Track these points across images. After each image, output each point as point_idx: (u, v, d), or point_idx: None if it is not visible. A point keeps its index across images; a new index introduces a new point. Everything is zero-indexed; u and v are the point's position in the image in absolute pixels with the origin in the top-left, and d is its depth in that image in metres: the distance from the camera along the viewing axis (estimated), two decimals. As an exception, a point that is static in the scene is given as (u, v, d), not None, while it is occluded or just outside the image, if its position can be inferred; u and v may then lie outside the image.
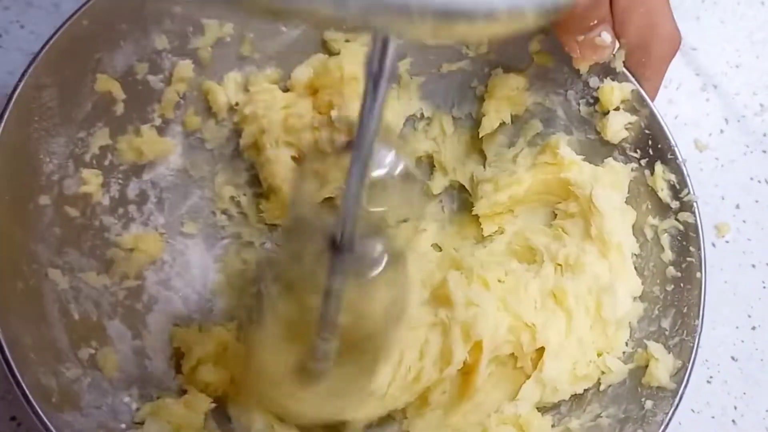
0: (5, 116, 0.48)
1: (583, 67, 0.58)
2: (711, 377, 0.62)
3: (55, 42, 0.50)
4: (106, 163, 0.55)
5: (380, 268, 0.43)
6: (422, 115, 0.65)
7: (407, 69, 0.63)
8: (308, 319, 0.44)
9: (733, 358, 0.63)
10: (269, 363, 0.51)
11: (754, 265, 0.66)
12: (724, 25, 0.75)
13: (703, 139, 0.70)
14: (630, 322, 0.57)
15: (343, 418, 0.54)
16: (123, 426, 0.49)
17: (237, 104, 0.60)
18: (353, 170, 0.36)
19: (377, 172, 0.43)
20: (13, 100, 0.48)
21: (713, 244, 0.66)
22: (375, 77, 0.32)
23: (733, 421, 0.61)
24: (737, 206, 0.68)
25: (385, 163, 0.43)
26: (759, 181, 0.70)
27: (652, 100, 0.58)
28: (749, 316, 0.64)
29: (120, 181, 0.56)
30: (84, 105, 0.53)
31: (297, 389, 0.50)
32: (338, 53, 0.61)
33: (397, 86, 0.63)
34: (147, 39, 0.55)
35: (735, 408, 0.61)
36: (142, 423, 0.49)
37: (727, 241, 0.67)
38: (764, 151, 0.71)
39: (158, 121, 0.57)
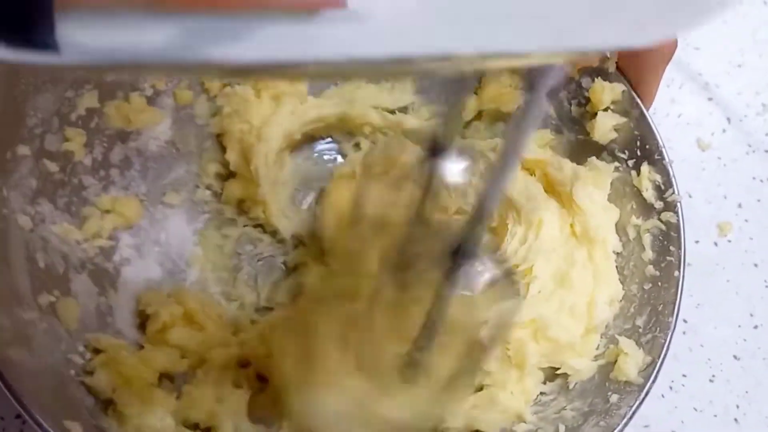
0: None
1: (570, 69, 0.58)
2: (713, 376, 0.61)
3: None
4: (92, 125, 0.56)
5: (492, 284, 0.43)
6: (414, 108, 0.65)
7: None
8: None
9: (735, 357, 0.62)
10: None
11: (756, 264, 0.66)
12: (726, 24, 0.74)
13: (705, 139, 0.70)
14: (606, 324, 0.56)
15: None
16: (72, 372, 0.49)
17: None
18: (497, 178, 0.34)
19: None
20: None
21: (715, 243, 0.65)
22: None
23: (736, 419, 0.60)
24: (739, 205, 0.68)
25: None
26: (761, 181, 0.69)
27: (649, 104, 0.58)
28: (751, 315, 0.64)
29: (104, 144, 0.56)
30: (73, 69, 0.54)
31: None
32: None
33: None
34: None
35: (737, 407, 0.61)
36: (92, 372, 0.50)
37: (729, 241, 0.66)
38: (766, 151, 0.71)
39: (149, 91, 0.58)
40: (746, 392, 0.61)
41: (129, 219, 0.57)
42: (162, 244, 0.59)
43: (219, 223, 0.61)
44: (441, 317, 0.41)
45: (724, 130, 0.71)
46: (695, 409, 0.60)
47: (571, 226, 0.58)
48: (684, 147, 0.56)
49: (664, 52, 0.55)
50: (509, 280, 0.45)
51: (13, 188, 0.50)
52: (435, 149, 0.44)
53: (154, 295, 0.55)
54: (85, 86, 0.55)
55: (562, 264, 0.55)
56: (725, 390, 0.61)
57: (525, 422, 0.53)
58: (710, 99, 0.72)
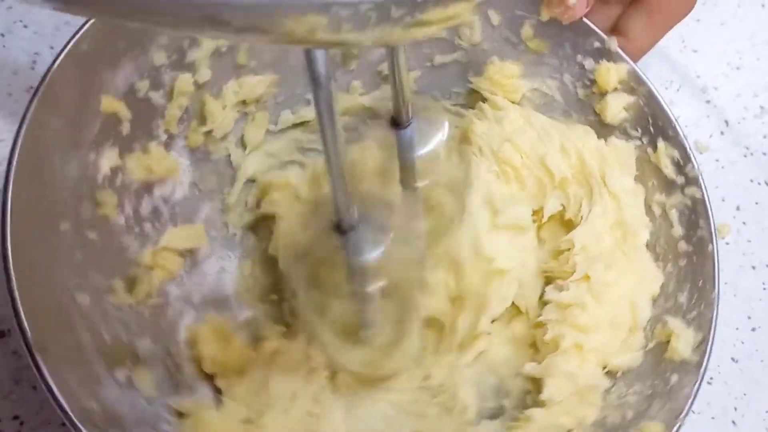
0: (17, 148, 0.47)
1: (544, 16, 0.59)
2: (711, 378, 0.63)
3: (57, 69, 0.50)
4: (118, 183, 0.54)
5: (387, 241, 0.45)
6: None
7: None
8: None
9: (733, 359, 0.63)
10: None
11: (754, 267, 0.67)
12: (725, 26, 0.75)
13: (703, 141, 0.71)
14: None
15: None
16: (165, 441, 0.49)
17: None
18: (329, 161, 0.38)
19: (425, 149, 0.45)
20: (23, 129, 0.48)
21: (713, 246, 0.67)
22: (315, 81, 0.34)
23: (734, 422, 0.61)
24: (737, 208, 0.69)
25: (432, 140, 0.45)
26: (759, 183, 0.70)
27: (637, 58, 0.59)
28: (749, 318, 0.65)
29: (133, 200, 0.55)
30: (91, 127, 0.52)
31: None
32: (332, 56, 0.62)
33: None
34: (145, 56, 0.55)
35: (735, 409, 0.61)
36: (183, 438, 0.50)
37: (727, 243, 0.67)
38: (765, 153, 0.71)
39: (164, 137, 0.57)
40: (744, 394, 0.62)
41: (171, 270, 0.56)
42: (203, 288, 0.58)
43: (253, 255, 0.61)
44: (363, 280, 0.46)
45: (722, 133, 0.72)
46: (693, 411, 0.58)
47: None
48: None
49: (684, 6, 0.56)
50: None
51: (64, 266, 0.49)
52: (395, 122, 0.47)
53: (201, 331, 0.55)
54: (105, 145, 0.53)
55: (602, 269, 0.56)
56: (723, 392, 0.62)
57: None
58: (708, 101, 0.73)
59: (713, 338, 0.53)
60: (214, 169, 0.61)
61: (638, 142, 0.59)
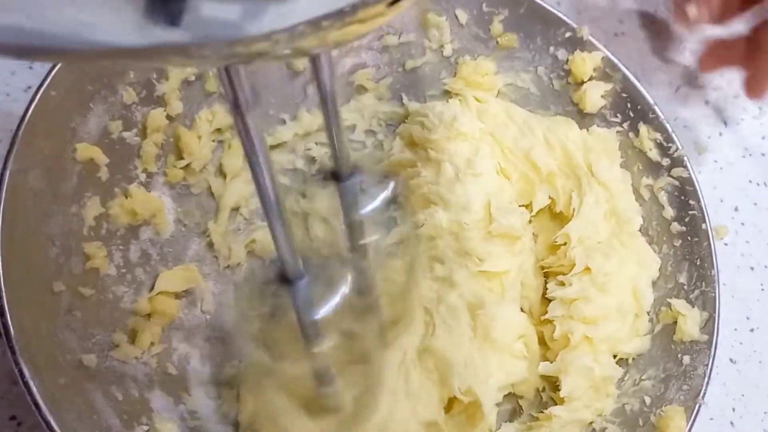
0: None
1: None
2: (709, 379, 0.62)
3: (29, 121, 0.48)
4: (104, 232, 0.53)
5: (343, 288, 0.42)
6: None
7: (368, 77, 0.63)
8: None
9: (731, 360, 0.63)
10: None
11: (752, 268, 0.66)
12: (724, 26, 0.72)
13: (701, 142, 0.70)
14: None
15: None
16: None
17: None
18: (265, 207, 0.35)
19: (371, 206, 0.43)
20: (3, 191, 0.46)
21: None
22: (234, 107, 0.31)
23: (732, 423, 0.61)
24: (736, 209, 0.68)
25: (380, 197, 0.43)
26: (757, 184, 0.70)
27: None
28: (748, 318, 0.64)
29: (120, 247, 0.53)
30: (70, 178, 0.50)
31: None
32: (303, 71, 0.61)
33: (366, 92, 0.63)
34: (115, 96, 0.53)
35: (733, 410, 0.61)
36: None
37: (725, 244, 0.67)
38: (763, 154, 0.71)
39: (143, 177, 0.56)
40: (742, 395, 0.62)
41: (170, 314, 0.55)
42: (204, 327, 0.57)
43: (249, 285, 0.59)
44: (315, 334, 0.42)
45: (720, 134, 0.71)
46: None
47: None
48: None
49: None
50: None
51: (66, 330, 0.47)
52: (336, 175, 0.44)
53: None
54: (85, 194, 0.51)
55: (601, 259, 0.56)
56: (721, 393, 0.61)
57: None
58: (707, 102, 0.72)
59: (719, 316, 0.53)
60: (197, 203, 0.59)
61: (619, 128, 0.60)
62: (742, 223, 0.68)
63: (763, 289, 0.66)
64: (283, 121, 0.62)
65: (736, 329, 0.64)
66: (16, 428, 0.52)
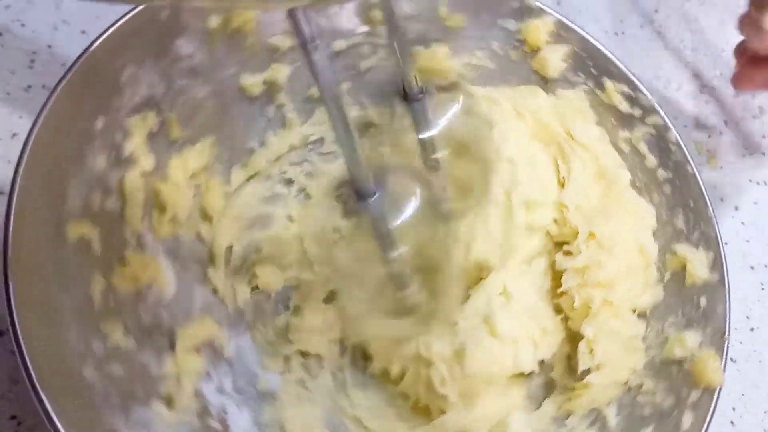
0: (15, 318, 0.43)
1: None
2: None
3: (16, 216, 0.46)
4: (113, 305, 0.51)
5: (414, 206, 0.46)
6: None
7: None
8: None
9: (731, 359, 0.63)
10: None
11: (752, 267, 0.67)
12: (723, 26, 0.75)
13: (702, 142, 0.71)
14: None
15: None
16: None
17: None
18: (335, 124, 0.39)
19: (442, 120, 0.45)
20: (12, 301, 0.44)
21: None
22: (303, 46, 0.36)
23: (732, 422, 0.61)
24: (736, 208, 0.69)
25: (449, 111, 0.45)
26: (757, 183, 0.70)
27: None
28: (748, 318, 0.65)
29: (132, 316, 0.52)
30: (68, 260, 0.49)
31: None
32: (258, 95, 0.60)
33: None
34: (86, 166, 0.51)
35: (733, 409, 0.62)
36: None
37: (726, 243, 0.65)
38: (763, 153, 0.72)
39: (134, 240, 0.54)
40: (742, 395, 0.62)
41: (197, 370, 0.54)
42: (234, 371, 0.56)
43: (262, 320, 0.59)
44: (392, 246, 0.46)
45: (720, 133, 0.72)
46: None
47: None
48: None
49: None
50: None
51: (107, 413, 0.46)
52: (405, 95, 0.49)
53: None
54: (86, 273, 0.50)
55: (602, 221, 0.57)
56: (721, 392, 0.61)
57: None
58: (707, 102, 0.73)
59: (725, 253, 0.54)
60: (191, 252, 0.58)
61: (585, 87, 0.60)
62: (743, 223, 0.68)
63: (763, 289, 0.66)
64: (252, 150, 0.62)
65: (736, 328, 0.63)
66: (17, 428, 0.52)
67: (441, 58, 0.62)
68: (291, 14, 0.34)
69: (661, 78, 0.67)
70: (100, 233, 0.51)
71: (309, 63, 0.36)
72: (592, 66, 0.60)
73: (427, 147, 0.50)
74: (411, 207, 0.45)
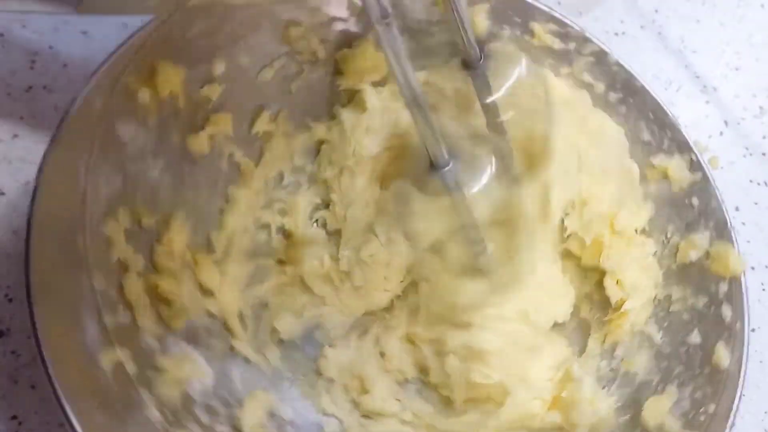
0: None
1: None
2: None
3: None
4: (170, 416, 0.49)
5: (488, 172, 0.48)
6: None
7: (267, 120, 0.61)
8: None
9: None
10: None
11: (753, 267, 0.67)
12: (723, 27, 0.75)
13: (702, 141, 0.70)
14: None
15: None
16: None
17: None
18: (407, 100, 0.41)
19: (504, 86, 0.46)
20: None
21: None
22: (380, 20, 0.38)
23: (732, 422, 0.60)
24: (737, 208, 0.69)
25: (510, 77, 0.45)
26: (758, 184, 0.71)
27: None
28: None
29: (187, 415, 0.50)
30: (111, 389, 0.46)
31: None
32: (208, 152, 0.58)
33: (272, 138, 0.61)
34: (82, 289, 0.48)
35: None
36: None
37: None
38: (764, 154, 0.72)
39: (156, 345, 0.52)
40: (743, 395, 0.60)
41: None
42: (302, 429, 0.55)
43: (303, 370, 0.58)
44: (469, 216, 0.48)
45: (721, 133, 0.72)
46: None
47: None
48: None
49: None
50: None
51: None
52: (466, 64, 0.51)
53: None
54: (135, 395, 0.48)
55: (585, 146, 0.59)
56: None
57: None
58: (707, 102, 0.73)
59: (700, 155, 0.57)
60: (207, 331, 0.56)
61: (514, 36, 0.61)
62: (743, 223, 0.69)
63: (763, 289, 0.67)
64: (221, 210, 0.59)
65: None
66: (17, 428, 0.52)
67: (370, 56, 0.61)
68: None
69: (662, 78, 0.68)
70: (127, 354, 0.49)
71: (382, 39, 0.39)
72: (513, 15, 0.60)
73: (491, 111, 0.51)
74: (486, 175, 0.47)
